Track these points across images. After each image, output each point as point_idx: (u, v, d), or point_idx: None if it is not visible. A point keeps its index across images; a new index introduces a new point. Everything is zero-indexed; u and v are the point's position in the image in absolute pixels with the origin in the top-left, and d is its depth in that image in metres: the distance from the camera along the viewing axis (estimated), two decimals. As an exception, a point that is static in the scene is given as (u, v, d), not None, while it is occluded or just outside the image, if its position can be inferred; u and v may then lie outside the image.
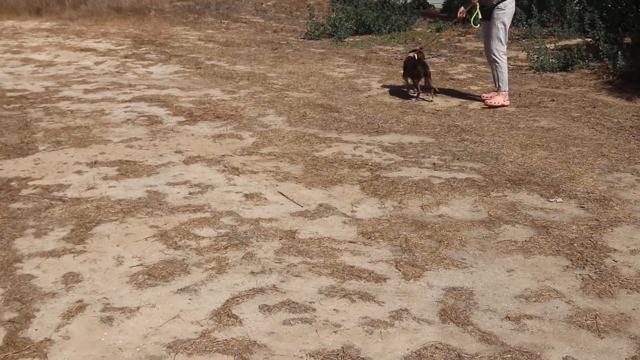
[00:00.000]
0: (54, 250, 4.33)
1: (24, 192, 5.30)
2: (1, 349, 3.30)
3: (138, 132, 6.91)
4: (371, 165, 5.94)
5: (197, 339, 3.38)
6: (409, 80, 8.56)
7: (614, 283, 3.97)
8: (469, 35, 12.88)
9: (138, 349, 3.31)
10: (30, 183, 5.48)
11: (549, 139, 6.73)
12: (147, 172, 5.75)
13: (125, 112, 7.75)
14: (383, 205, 5.09)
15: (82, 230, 4.62)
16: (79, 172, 5.73)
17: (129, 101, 8.27)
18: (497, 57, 7.95)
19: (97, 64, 10.87)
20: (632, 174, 5.74)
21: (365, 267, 4.13)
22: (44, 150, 6.30)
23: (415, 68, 8.32)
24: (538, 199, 5.22)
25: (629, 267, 4.16)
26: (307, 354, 3.26)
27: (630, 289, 3.91)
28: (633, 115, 7.53)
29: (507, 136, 6.82)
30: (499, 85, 8.09)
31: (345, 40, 13.39)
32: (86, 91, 8.81)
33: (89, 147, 6.41)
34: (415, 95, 8.48)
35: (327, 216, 4.89)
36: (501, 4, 7.75)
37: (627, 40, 10.16)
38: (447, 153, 6.27)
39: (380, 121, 7.40)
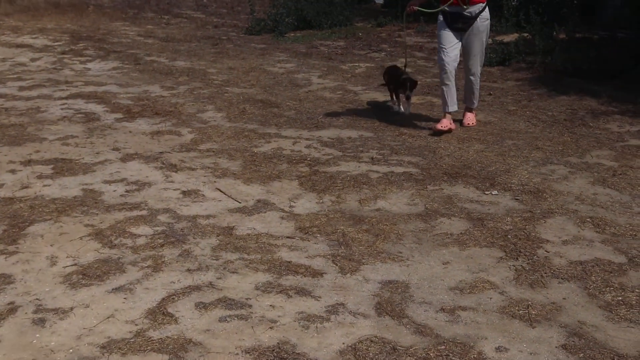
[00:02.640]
0: (-15, 252, 4.24)
1: (-45, 192, 5.18)
2: None
3: (74, 130, 6.80)
4: (310, 161, 5.95)
5: (131, 339, 3.34)
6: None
7: (545, 273, 4.05)
8: (409, 31, 12.98)
9: (71, 350, 3.26)
10: (-38, 183, 5.35)
11: (486, 132, 6.83)
12: (83, 170, 5.67)
13: (62, 109, 7.62)
14: (321, 200, 5.11)
15: (14, 230, 4.53)
16: (12, 171, 5.61)
17: (66, 98, 8.13)
18: (478, 73, 6.97)
19: (33, 60, 10.67)
20: (565, 166, 5.87)
21: (302, 262, 4.14)
22: (-24, 149, 6.16)
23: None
24: (474, 192, 5.29)
25: (561, 257, 4.25)
26: (242, 351, 3.25)
27: (562, 278, 3.99)
28: (567, 109, 7.69)
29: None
30: (474, 102, 7.15)
31: (286, 35, 13.39)
32: (21, 88, 8.63)
33: (24, 145, 6.28)
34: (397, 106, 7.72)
35: (265, 212, 4.89)
36: (484, 12, 6.67)
37: (562, 35, 10.37)
38: (385, 147, 6.32)
39: (319, 116, 7.42)
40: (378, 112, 7.61)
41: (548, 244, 4.44)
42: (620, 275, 4.02)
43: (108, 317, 3.53)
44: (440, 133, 6.71)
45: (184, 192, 5.22)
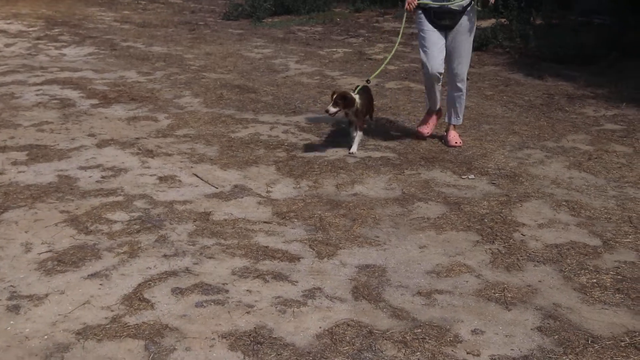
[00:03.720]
0: (-41, 239, 4.19)
1: None
2: None
3: (50, 116, 6.73)
4: (287, 146, 5.93)
5: (107, 325, 3.32)
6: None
7: (521, 256, 4.07)
8: (387, 16, 12.96)
9: (46, 336, 3.23)
10: None
11: (463, 117, 6.82)
12: (59, 156, 5.61)
13: (37, 95, 7.54)
14: (298, 185, 5.10)
15: (-12, 217, 4.49)
16: (-14, 158, 5.56)
17: (41, 84, 8.05)
18: (465, 81, 6.06)
19: (7, 45, 10.53)
20: (541, 150, 5.90)
21: (279, 247, 4.14)
22: (-50, 135, 6.09)
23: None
24: (451, 176, 5.31)
25: (536, 240, 4.28)
26: (219, 336, 3.24)
27: (537, 261, 4.02)
28: (543, 94, 7.73)
29: (422, 115, 6.87)
30: (459, 118, 6.18)
31: (264, 20, 13.33)
32: (-5, 74, 8.53)
33: (-2, 131, 6.22)
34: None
35: (242, 197, 4.87)
36: (472, 8, 5.78)
37: (539, 21, 10.41)
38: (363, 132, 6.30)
39: (297, 101, 7.40)
40: (356, 97, 7.59)
41: (524, 227, 4.46)
42: (595, 258, 4.06)
43: (83, 303, 3.51)
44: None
45: (160, 178, 5.19)
